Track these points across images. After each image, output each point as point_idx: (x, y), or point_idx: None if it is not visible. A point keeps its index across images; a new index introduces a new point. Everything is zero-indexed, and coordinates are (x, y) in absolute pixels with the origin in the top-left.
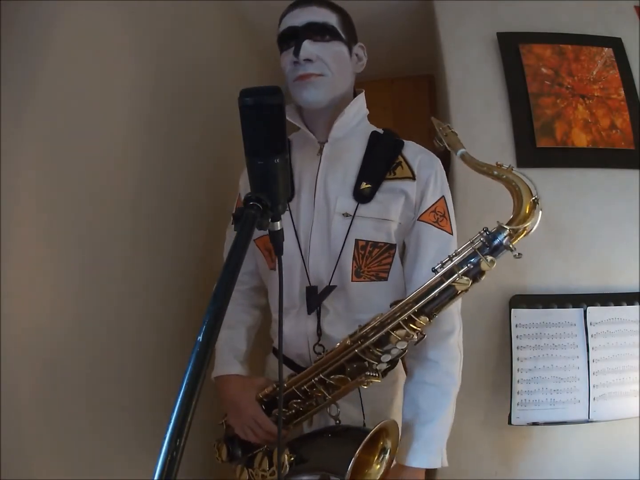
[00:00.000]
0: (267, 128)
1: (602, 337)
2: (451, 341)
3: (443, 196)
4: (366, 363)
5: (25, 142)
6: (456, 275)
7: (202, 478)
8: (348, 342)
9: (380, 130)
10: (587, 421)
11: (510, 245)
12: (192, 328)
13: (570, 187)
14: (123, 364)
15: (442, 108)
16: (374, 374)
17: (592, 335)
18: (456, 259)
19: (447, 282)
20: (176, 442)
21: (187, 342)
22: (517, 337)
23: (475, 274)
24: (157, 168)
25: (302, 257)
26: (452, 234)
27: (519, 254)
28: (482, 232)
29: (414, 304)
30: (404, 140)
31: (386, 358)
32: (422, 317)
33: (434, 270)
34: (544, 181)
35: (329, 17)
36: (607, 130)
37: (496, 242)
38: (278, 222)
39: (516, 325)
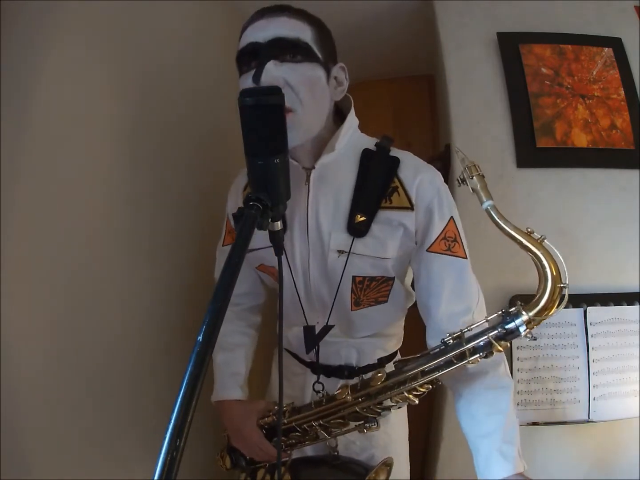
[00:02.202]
0: (267, 128)
1: (602, 337)
2: (501, 370)
3: (452, 217)
4: (366, 416)
5: (20, 154)
6: (467, 360)
7: (202, 478)
8: (349, 398)
9: (373, 145)
10: (587, 421)
11: (528, 336)
12: (192, 328)
13: (570, 187)
14: (123, 364)
15: (442, 108)
16: (373, 425)
17: (592, 335)
18: (468, 337)
19: (457, 365)
20: (176, 442)
21: (187, 342)
22: None
23: (487, 354)
24: (152, 170)
25: (298, 295)
26: (466, 257)
27: (534, 338)
28: (501, 312)
29: (420, 376)
30: (400, 156)
31: (386, 414)
32: (426, 385)
33: (443, 342)
34: (544, 181)
35: (302, 32)
36: (607, 130)
37: (511, 326)
38: (278, 222)
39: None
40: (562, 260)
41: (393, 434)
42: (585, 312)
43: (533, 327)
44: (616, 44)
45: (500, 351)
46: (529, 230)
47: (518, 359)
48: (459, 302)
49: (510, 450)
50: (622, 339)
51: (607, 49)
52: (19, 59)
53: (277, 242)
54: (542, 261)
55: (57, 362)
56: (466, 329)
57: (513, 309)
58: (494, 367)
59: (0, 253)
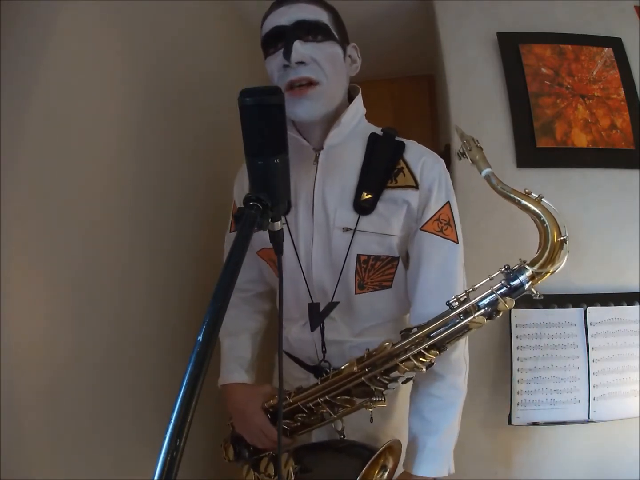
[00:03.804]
0: (267, 128)
1: (602, 337)
2: (455, 355)
3: (448, 202)
4: (372, 388)
5: (21, 150)
6: (472, 316)
7: (205, 478)
8: (355, 368)
9: (379, 131)
10: (587, 421)
11: (533, 290)
12: (192, 328)
13: (570, 187)
14: (123, 364)
15: (442, 108)
16: (380, 399)
17: (592, 335)
18: (473, 297)
19: (462, 322)
20: (176, 442)
21: (187, 342)
22: (517, 337)
23: (491, 313)
24: (154, 169)
25: (303, 273)
26: (457, 242)
27: (540, 295)
28: (503, 269)
29: (427, 340)
30: (405, 141)
31: (393, 386)
32: (433, 351)
33: (449, 305)
34: (544, 181)
35: (321, 15)
36: (607, 130)
37: (516, 282)
38: (278, 222)
39: (516, 325)
40: (560, 216)
41: (397, 436)
42: (585, 312)
43: (537, 282)
44: (616, 44)
45: (505, 309)
46: (527, 191)
47: (518, 359)
48: (444, 284)
49: (439, 457)
50: (622, 339)
51: (607, 49)
52: (19, 58)
53: (277, 242)
54: (541, 217)
55: (56, 362)
56: (471, 289)
57: (516, 265)
58: (455, 374)
59: (0, 253)
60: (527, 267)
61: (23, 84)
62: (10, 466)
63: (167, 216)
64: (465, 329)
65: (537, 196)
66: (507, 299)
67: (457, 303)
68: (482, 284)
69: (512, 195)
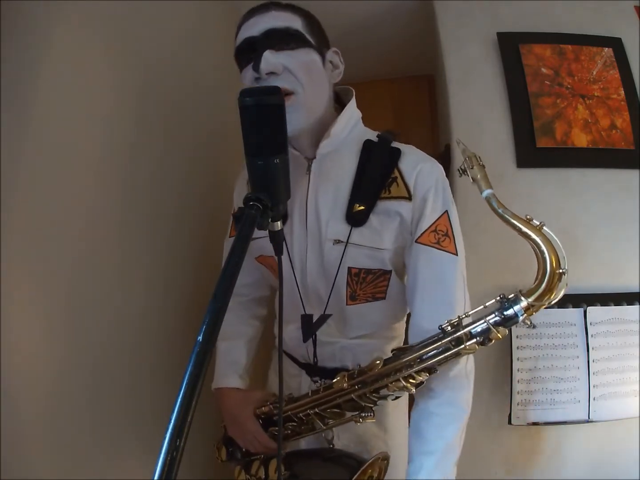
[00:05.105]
0: (267, 128)
1: (602, 337)
2: (454, 371)
3: (446, 211)
4: (362, 404)
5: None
6: (464, 344)
7: (202, 478)
8: (345, 385)
9: (375, 137)
10: (587, 421)
11: (527, 322)
12: (192, 328)
13: (570, 187)
14: (122, 364)
15: (442, 108)
16: (369, 414)
17: (592, 335)
18: (466, 324)
19: (454, 350)
20: (176, 442)
21: (187, 342)
22: (517, 337)
23: (484, 340)
24: (153, 170)
25: (297, 282)
26: (456, 254)
27: (534, 326)
28: (499, 298)
29: (418, 362)
30: (402, 147)
31: (382, 403)
32: (423, 374)
33: (441, 329)
34: (544, 181)
35: (293, 21)
36: (607, 130)
37: (510, 312)
38: (278, 222)
39: (516, 326)
40: (561, 246)
41: (389, 440)
42: (585, 312)
43: (532, 314)
44: (616, 44)
45: (498, 338)
46: (528, 217)
47: (518, 359)
48: (442, 299)
49: (438, 476)
50: (622, 339)
51: (607, 49)
52: (19, 58)
53: (277, 242)
54: (540, 247)
55: (56, 362)
56: (464, 316)
57: (512, 295)
58: (454, 391)
59: (0, 253)
60: (522, 298)
61: (23, 85)
62: (10, 466)
63: (166, 217)
64: (458, 354)
65: (538, 223)
66: (500, 328)
67: (449, 327)
68: (476, 311)
69: (513, 221)
